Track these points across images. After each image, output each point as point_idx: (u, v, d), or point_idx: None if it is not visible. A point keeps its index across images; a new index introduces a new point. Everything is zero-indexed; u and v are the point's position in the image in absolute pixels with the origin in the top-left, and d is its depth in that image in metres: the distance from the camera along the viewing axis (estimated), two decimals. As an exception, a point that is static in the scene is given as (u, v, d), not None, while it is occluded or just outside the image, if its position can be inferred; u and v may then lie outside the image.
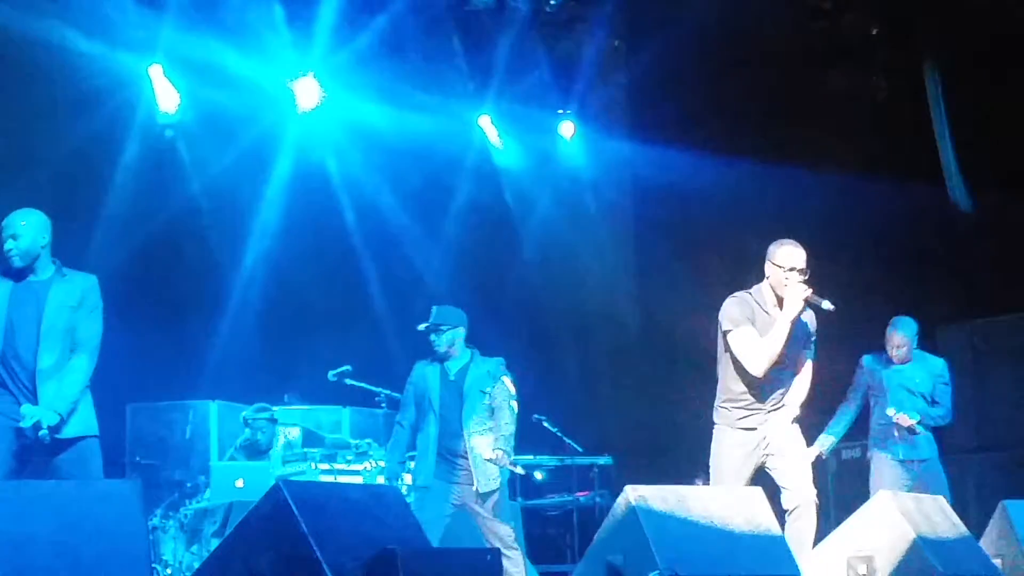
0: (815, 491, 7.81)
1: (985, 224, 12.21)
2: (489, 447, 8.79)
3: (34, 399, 7.07)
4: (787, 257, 7.73)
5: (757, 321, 7.74)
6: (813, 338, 7.92)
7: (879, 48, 12.91)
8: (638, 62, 13.97)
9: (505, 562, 8.58)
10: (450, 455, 8.84)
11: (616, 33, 14.11)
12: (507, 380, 9.02)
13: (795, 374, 7.89)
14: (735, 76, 13.40)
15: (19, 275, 7.22)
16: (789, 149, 12.78)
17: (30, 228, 7.21)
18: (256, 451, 10.64)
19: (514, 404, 8.99)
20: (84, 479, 6.94)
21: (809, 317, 7.87)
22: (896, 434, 9.45)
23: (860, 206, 12.43)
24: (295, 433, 10.89)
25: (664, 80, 13.57)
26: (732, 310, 7.81)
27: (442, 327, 9.01)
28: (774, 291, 7.78)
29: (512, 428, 8.95)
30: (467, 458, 8.81)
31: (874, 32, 12.88)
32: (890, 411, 9.45)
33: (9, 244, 7.18)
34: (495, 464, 8.75)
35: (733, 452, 7.80)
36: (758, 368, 7.70)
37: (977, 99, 12.15)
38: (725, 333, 7.80)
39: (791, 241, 7.81)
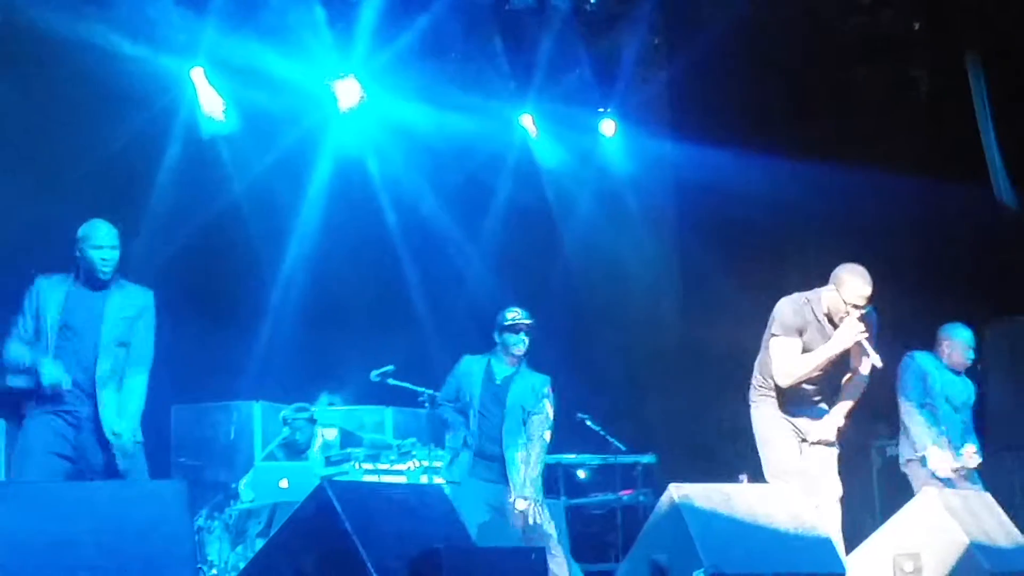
0: (840, 485, 7.80)
1: (1027, 220, 12.14)
2: (519, 471, 8.69)
3: (92, 403, 7.22)
4: (852, 292, 7.54)
5: (808, 330, 7.69)
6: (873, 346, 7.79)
7: (920, 43, 12.83)
8: (678, 60, 13.93)
9: (550, 561, 8.56)
10: (486, 457, 8.77)
11: (656, 31, 14.07)
12: (548, 404, 8.91)
13: (833, 384, 7.85)
14: (775, 74, 13.35)
15: (77, 280, 7.31)
16: (830, 146, 12.72)
17: (119, 243, 7.37)
18: (295, 451, 10.67)
19: (547, 435, 8.89)
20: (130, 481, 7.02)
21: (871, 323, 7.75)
22: (946, 443, 9.34)
23: (903, 204, 12.35)
24: (333, 434, 10.90)
25: (705, 78, 13.52)
26: (786, 316, 7.72)
27: (531, 330, 8.91)
28: (828, 308, 7.69)
29: (541, 467, 8.86)
30: (503, 463, 8.76)
31: (915, 27, 12.81)
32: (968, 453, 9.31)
33: (107, 255, 7.34)
34: (523, 512, 8.64)
35: (783, 424, 7.77)
36: (784, 381, 7.69)
37: (1021, 92, 12.05)
38: (772, 335, 7.75)
39: (862, 273, 7.60)
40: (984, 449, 9.44)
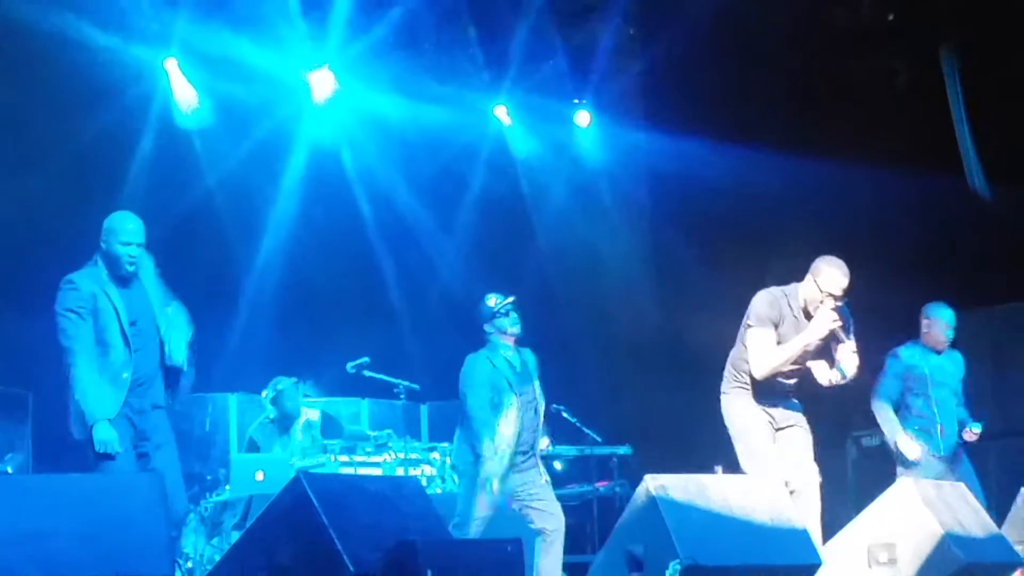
0: (818, 470, 7.84)
1: (1004, 210, 12.15)
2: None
3: (156, 392, 7.31)
4: (828, 281, 7.60)
5: (784, 323, 7.71)
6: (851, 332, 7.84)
7: (897, 35, 12.85)
8: (653, 51, 13.93)
9: (558, 546, 8.57)
10: (522, 449, 8.59)
11: (631, 22, 14.08)
12: None
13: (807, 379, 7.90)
14: (751, 65, 13.36)
15: (109, 275, 7.25)
16: (806, 138, 12.73)
17: (145, 239, 7.32)
18: (286, 419, 10.62)
19: None
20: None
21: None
22: (939, 430, 9.38)
23: (879, 194, 12.38)
24: (316, 415, 10.86)
25: (679, 69, 13.53)
26: (761, 307, 7.75)
27: (517, 306, 8.76)
28: (805, 300, 7.72)
29: None
30: (533, 449, 8.67)
31: (891, 18, 12.83)
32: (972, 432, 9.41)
33: (135, 252, 7.23)
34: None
35: (758, 414, 7.80)
36: (759, 373, 7.71)
37: (996, 85, 12.10)
38: (748, 326, 7.77)
39: (840, 264, 7.66)
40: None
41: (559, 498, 9.01)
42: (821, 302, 7.61)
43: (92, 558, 5.37)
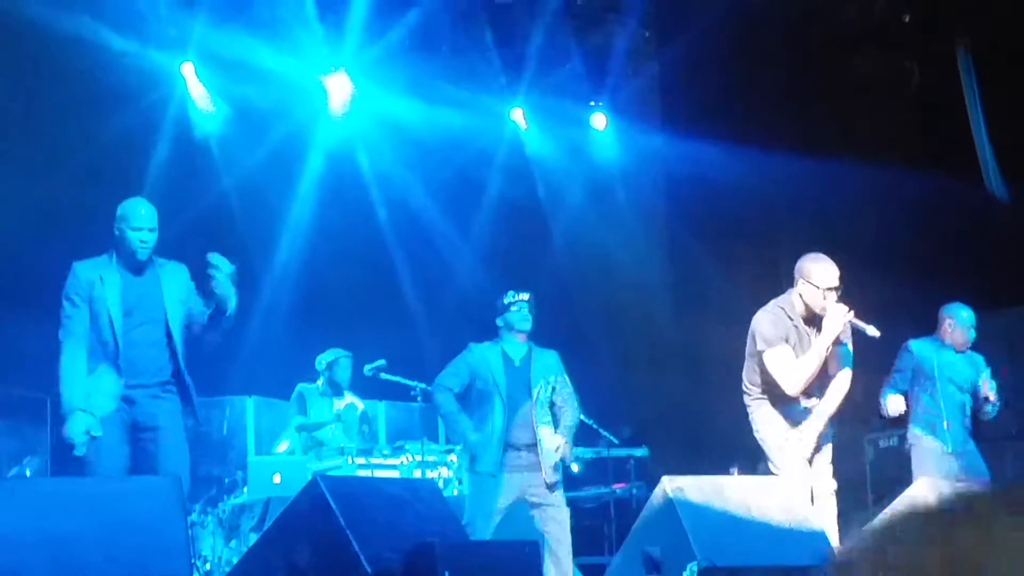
0: (833, 480, 7.81)
1: (1021, 211, 12.12)
2: (552, 438, 8.56)
3: (165, 396, 7.12)
4: (823, 276, 7.56)
5: (791, 337, 7.67)
6: (848, 347, 7.83)
7: (912, 34, 12.83)
8: (669, 53, 13.93)
9: (562, 551, 8.54)
10: (516, 445, 8.53)
11: (646, 23, 14.08)
12: (567, 377, 8.83)
13: (824, 382, 7.84)
14: (767, 67, 13.35)
15: (118, 262, 7.17)
16: (822, 138, 12.71)
17: (158, 224, 7.24)
18: (337, 388, 10.76)
19: (576, 403, 8.83)
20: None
21: (845, 332, 7.76)
22: (945, 425, 9.34)
23: (895, 195, 12.36)
24: (360, 405, 10.96)
25: (695, 70, 13.52)
26: (766, 329, 7.70)
27: (532, 305, 8.78)
28: (805, 304, 7.68)
29: (577, 422, 8.84)
30: (533, 448, 8.56)
31: (906, 18, 12.81)
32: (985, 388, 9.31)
33: (146, 237, 7.17)
34: (560, 459, 8.58)
35: (778, 420, 7.77)
36: (794, 389, 7.65)
37: (1012, 84, 12.06)
38: (759, 352, 7.72)
39: (822, 257, 7.64)
40: (982, 439, 9.45)
41: (576, 500, 8.99)
42: (823, 298, 7.58)
43: (110, 561, 5.39)
